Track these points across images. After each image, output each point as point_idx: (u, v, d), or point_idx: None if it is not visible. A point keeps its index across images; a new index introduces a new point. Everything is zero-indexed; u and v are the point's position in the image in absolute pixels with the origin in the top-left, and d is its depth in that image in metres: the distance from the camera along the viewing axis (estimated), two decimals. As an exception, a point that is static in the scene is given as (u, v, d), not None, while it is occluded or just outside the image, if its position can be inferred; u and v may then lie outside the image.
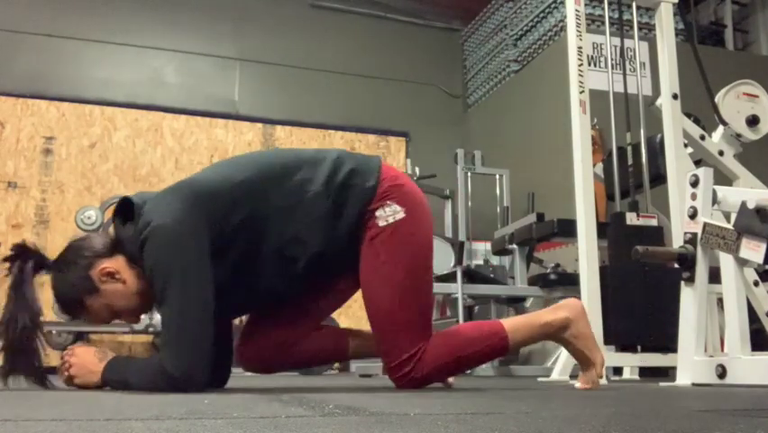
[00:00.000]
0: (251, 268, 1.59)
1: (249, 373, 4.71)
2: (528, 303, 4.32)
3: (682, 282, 2.17)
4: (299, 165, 1.61)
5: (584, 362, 1.76)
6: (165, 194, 1.57)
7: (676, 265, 2.20)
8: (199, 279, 1.49)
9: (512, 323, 1.72)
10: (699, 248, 2.13)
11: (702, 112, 2.95)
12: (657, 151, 3.00)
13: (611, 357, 2.69)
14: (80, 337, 4.98)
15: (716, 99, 2.81)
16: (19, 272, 1.55)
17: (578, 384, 1.78)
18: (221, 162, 1.73)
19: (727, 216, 2.24)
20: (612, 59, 3.58)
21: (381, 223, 1.59)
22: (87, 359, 1.56)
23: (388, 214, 1.59)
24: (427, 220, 1.68)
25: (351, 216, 1.60)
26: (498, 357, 1.75)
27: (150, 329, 4.31)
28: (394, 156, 6.31)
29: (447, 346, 1.65)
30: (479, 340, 1.67)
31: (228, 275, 1.56)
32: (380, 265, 1.60)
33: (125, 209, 1.58)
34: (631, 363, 2.89)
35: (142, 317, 4.70)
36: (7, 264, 1.56)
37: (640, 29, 3.52)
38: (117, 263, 1.56)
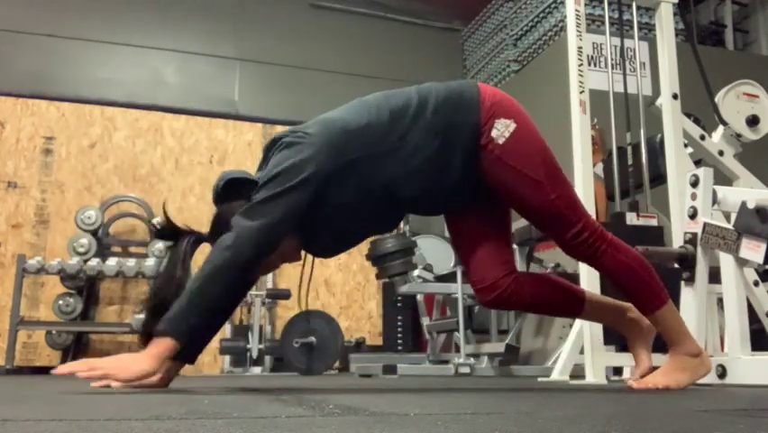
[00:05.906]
0: (352, 208, 1.68)
1: (248, 374, 4.69)
2: (528, 303, 4.31)
3: (682, 282, 2.17)
4: (406, 109, 1.69)
5: None
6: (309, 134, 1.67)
7: (676, 265, 2.20)
8: (290, 199, 1.57)
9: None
10: (699, 248, 2.13)
11: (702, 112, 2.95)
12: (657, 151, 3.00)
13: (611, 357, 2.69)
14: (80, 338, 4.98)
15: (716, 99, 2.81)
16: (182, 248, 1.65)
17: None
18: (353, 105, 1.77)
19: (727, 216, 2.25)
20: (612, 59, 3.59)
21: (501, 141, 1.69)
22: (120, 358, 1.51)
23: (502, 130, 1.70)
24: (531, 120, 1.79)
25: (462, 153, 1.69)
26: (656, 302, 1.82)
27: (150, 329, 4.30)
28: (394, 156, 6.31)
29: (632, 251, 1.80)
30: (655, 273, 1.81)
31: (330, 213, 1.65)
32: (521, 173, 1.70)
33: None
34: (631, 363, 2.88)
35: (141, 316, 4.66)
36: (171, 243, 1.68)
37: (640, 29, 3.52)
38: None
